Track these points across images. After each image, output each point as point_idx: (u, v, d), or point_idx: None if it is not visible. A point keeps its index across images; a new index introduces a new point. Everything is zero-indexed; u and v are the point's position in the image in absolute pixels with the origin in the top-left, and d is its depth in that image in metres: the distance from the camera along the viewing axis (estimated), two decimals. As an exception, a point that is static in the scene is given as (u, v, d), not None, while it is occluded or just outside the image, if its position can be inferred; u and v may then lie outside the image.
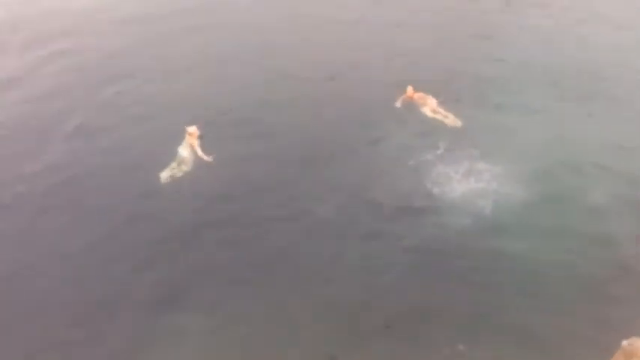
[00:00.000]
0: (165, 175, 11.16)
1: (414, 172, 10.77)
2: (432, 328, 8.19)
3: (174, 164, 11.34)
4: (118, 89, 14.52)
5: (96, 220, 10.46)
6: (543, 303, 8.46)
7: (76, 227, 10.39)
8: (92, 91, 14.51)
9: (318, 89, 13.92)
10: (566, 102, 12.69)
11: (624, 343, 6.74)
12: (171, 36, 17.05)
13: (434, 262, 9.15)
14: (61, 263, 9.67)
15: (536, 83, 13.47)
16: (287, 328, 8.38)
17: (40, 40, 17.22)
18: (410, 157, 11.12)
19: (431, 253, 9.28)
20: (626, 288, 8.54)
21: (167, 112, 13.45)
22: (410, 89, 12.76)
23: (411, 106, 12.64)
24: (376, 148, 11.65)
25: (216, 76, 14.88)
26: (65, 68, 15.67)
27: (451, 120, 12.15)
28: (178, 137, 11.84)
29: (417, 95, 12.74)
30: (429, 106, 12.53)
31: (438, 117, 12.32)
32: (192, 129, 11.78)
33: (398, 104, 12.74)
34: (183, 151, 11.52)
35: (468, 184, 10.26)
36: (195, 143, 11.69)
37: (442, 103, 12.53)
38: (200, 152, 11.54)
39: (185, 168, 11.31)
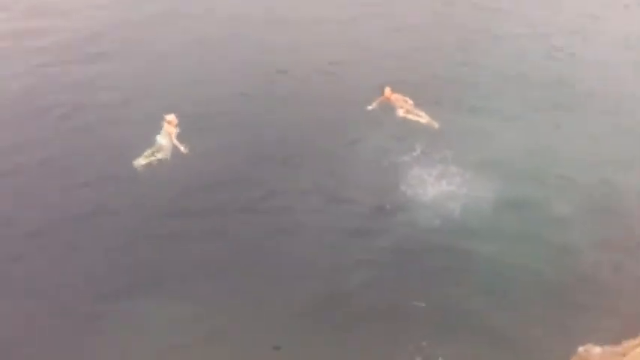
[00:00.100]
0: (139, 162, 11.08)
1: (389, 173, 10.94)
2: (398, 326, 8.36)
3: (148, 152, 11.25)
4: (94, 71, 14.33)
5: (65, 203, 10.38)
6: (508, 304, 8.72)
7: (44, 208, 10.29)
8: (68, 71, 14.31)
9: (297, 86, 13.95)
10: (539, 112, 13.05)
11: (580, 349, 7.11)
12: (152, 21, 16.89)
13: (404, 262, 9.34)
14: (28, 245, 9.58)
15: (512, 91, 13.79)
16: (248, 319, 8.45)
17: (15, 19, 16.89)
18: (386, 158, 11.30)
19: (401, 253, 9.48)
20: (585, 295, 8.86)
21: (143, 97, 13.37)
22: (388, 90, 12.86)
23: (388, 107, 12.77)
24: (353, 148, 11.77)
25: (196, 65, 14.81)
26: (40, 47, 15.38)
27: (427, 122, 12.33)
28: (153, 123, 11.75)
29: (395, 97, 12.84)
30: (406, 108, 12.67)
31: (414, 118, 12.47)
32: (171, 117, 11.71)
33: (372, 107, 12.79)
34: (162, 140, 11.44)
35: (440, 187, 10.49)
36: (173, 132, 11.62)
37: (419, 105, 12.69)
38: (176, 141, 11.49)
39: (161, 156, 11.24)
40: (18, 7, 17.80)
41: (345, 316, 8.52)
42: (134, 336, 8.19)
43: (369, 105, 12.82)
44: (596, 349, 7.42)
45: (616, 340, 7.75)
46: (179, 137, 11.58)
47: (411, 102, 12.77)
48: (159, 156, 11.24)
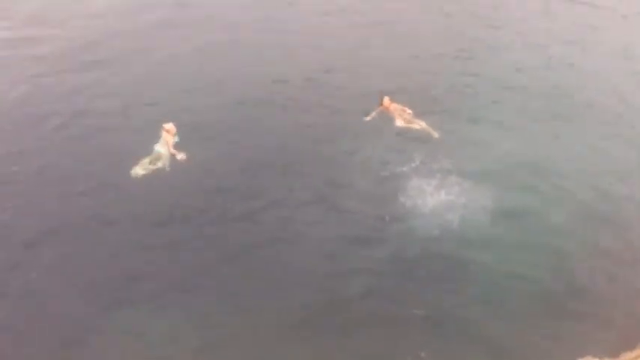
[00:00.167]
0: (137, 171, 11.07)
1: (388, 183, 10.95)
2: (396, 336, 8.34)
3: (147, 160, 11.25)
4: (91, 79, 14.37)
5: (62, 212, 10.39)
6: (506, 314, 8.72)
7: (41, 216, 10.29)
8: (65, 79, 14.34)
9: (295, 95, 13.97)
10: (537, 122, 13.07)
11: (579, 362, 7.10)
12: (149, 29, 16.96)
13: (402, 271, 9.33)
14: (24, 254, 9.58)
15: (510, 101, 13.81)
16: (246, 327, 8.46)
17: (13, 28, 17.00)
18: (385, 168, 11.31)
19: (400, 262, 9.47)
20: (583, 305, 8.85)
21: (141, 106, 13.42)
22: (387, 100, 12.89)
23: (387, 117, 12.80)
24: (352, 157, 11.77)
25: (194, 73, 14.86)
26: (38, 56, 15.42)
27: (427, 131, 12.35)
28: (151, 132, 11.79)
29: (393, 106, 12.88)
30: (405, 118, 12.71)
31: (414, 127, 12.51)
32: (169, 126, 11.74)
33: (370, 117, 12.79)
34: (160, 148, 11.46)
35: (439, 197, 10.49)
36: (171, 140, 11.64)
37: (418, 115, 12.71)
38: (173, 150, 11.49)
39: (160, 165, 11.24)
40: (15, 15, 17.91)
41: (342, 325, 8.50)
42: (130, 346, 8.16)
43: (367, 115, 12.82)
44: (594, 362, 7.43)
45: (614, 352, 7.75)
46: (177, 146, 11.60)
47: (409, 111, 12.80)
48: (157, 165, 11.23)
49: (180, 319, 8.51)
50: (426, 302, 8.81)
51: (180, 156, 11.38)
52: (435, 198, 10.47)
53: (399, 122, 12.66)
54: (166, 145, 11.55)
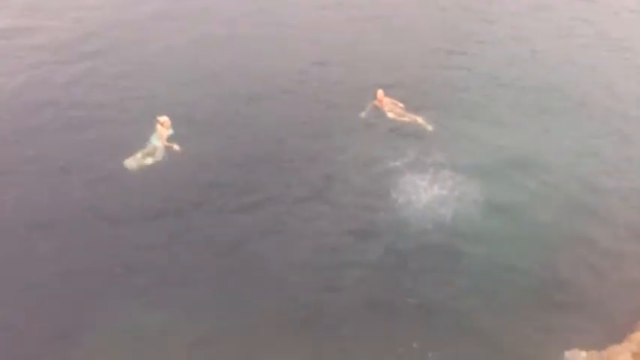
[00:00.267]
0: (131, 163, 11.10)
1: (382, 178, 11.03)
2: (388, 328, 8.46)
3: (141, 153, 11.28)
4: (88, 70, 14.34)
5: (55, 203, 10.41)
6: (497, 305, 8.85)
7: (34, 207, 10.32)
8: (62, 70, 14.31)
9: (291, 88, 13.98)
10: (528, 116, 13.18)
11: (566, 354, 7.24)
12: (146, 21, 16.88)
13: (394, 264, 9.43)
14: (17, 245, 9.62)
15: (502, 96, 13.90)
16: (239, 322, 8.53)
17: (9, 17, 16.86)
18: (379, 162, 11.40)
19: (392, 255, 9.57)
20: (570, 296, 9.01)
21: (136, 97, 13.36)
22: (380, 93, 12.95)
23: (380, 110, 12.88)
24: (346, 152, 11.81)
25: (190, 65, 14.82)
26: (34, 46, 15.36)
27: (420, 124, 12.44)
28: (146, 124, 11.82)
29: (386, 100, 12.96)
30: (396, 111, 12.79)
31: (405, 120, 12.59)
32: (164, 119, 11.75)
33: (365, 112, 12.84)
34: (155, 141, 11.48)
35: (433, 192, 10.60)
36: (165, 133, 11.66)
37: (412, 109, 12.79)
38: (167, 142, 11.52)
39: (154, 158, 11.26)
40: (12, 5, 17.72)
41: (334, 318, 8.60)
42: (125, 340, 8.21)
43: (362, 111, 12.87)
44: (582, 354, 7.56)
45: (601, 345, 7.90)
46: (172, 139, 11.62)
47: (401, 105, 12.89)
48: (152, 158, 11.25)
49: (176, 314, 8.54)
50: (420, 294, 8.92)
51: (175, 148, 11.39)
52: (429, 192, 10.58)
53: (391, 115, 12.74)
54: (161, 138, 11.56)
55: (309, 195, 10.74)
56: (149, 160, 11.20)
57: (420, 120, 12.55)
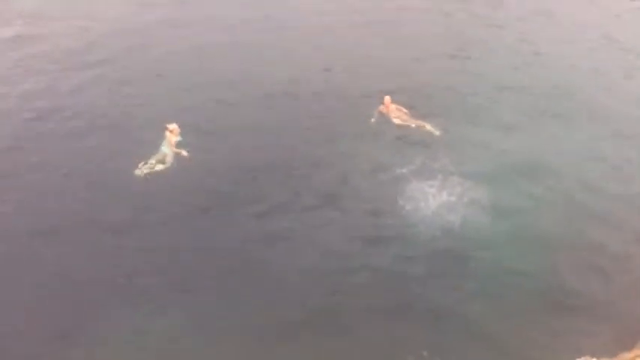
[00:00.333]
0: (141, 171, 11.16)
1: (390, 184, 11.05)
2: (398, 335, 8.44)
3: (151, 161, 11.33)
4: (94, 77, 14.44)
5: (60, 210, 10.48)
6: (506, 310, 8.84)
7: (39, 214, 10.40)
8: (67, 77, 14.41)
9: (296, 95, 14.05)
10: (536, 121, 13.18)
11: (577, 361, 7.26)
12: (151, 29, 17.01)
13: (403, 270, 9.41)
14: (24, 249, 9.69)
15: (509, 100, 13.93)
16: (246, 327, 8.52)
17: (14, 26, 17.02)
18: (386, 168, 11.41)
19: (401, 261, 9.56)
20: (579, 300, 8.98)
21: (143, 105, 13.48)
22: (387, 99, 12.99)
23: (386, 117, 12.92)
24: (353, 158, 11.82)
25: (196, 72, 14.94)
26: (40, 54, 15.46)
27: (426, 129, 12.48)
28: (154, 131, 11.89)
29: (392, 106, 12.99)
30: (401, 117, 12.83)
31: (411, 125, 12.63)
32: (173, 126, 11.84)
33: (374, 118, 12.87)
34: (165, 149, 11.56)
35: (441, 198, 10.63)
36: (174, 140, 11.74)
37: (420, 115, 12.83)
38: (176, 149, 11.59)
39: (163, 166, 11.33)
40: (17, 14, 17.86)
41: (344, 325, 8.59)
42: (130, 346, 8.22)
43: (372, 118, 12.91)
44: (592, 361, 7.58)
45: (612, 351, 7.89)
46: (180, 145, 11.70)
47: (406, 111, 12.95)
48: (162, 165, 11.32)
49: (181, 320, 8.55)
50: (428, 299, 8.92)
51: (184, 154, 11.48)
52: (438, 199, 10.60)
53: (397, 121, 12.78)
54: (170, 145, 11.64)
55: (316, 201, 10.76)
56: (159, 167, 11.27)
57: (426, 126, 12.59)
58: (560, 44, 16.90)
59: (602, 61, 15.95)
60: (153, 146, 11.67)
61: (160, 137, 11.83)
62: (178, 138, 11.81)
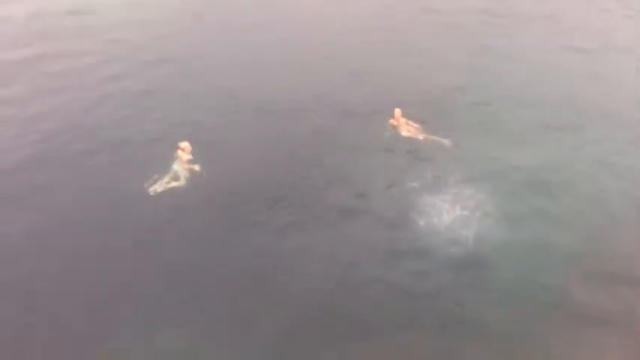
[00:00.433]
0: (155, 188, 11.21)
1: (402, 197, 11.01)
2: (410, 344, 8.40)
3: (164, 179, 11.38)
4: (108, 93, 14.63)
5: (72, 225, 10.59)
6: (520, 322, 8.74)
7: (50, 228, 10.49)
8: (85, 94, 14.63)
9: (306, 109, 14.10)
10: (548, 132, 13.12)
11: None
12: (163, 42, 17.16)
13: (416, 283, 9.34)
14: (36, 265, 9.73)
15: (522, 111, 13.89)
16: (254, 339, 8.50)
17: (33, 44, 17.21)
18: (399, 184, 11.36)
19: (413, 275, 9.48)
20: (596, 312, 8.88)
21: (156, 121, 13.60)
22: (398, 112, 13.00)
23: (396, 130, 12.93)
24: (365, 172, 11.80)
25: (211, 87, 15.09)
26: (58, 71, 15.66)
27: (436, 142, 12.44)
28: (162, 148, 12.03)
29: (403, 120, 12.99)
30: (410, 130, 12.82)
31: (420, 138, 12.60)
32: (185, 144, 11.90)
33: (389, 134, 12.88)
34: (177, 167, 11.62)
35: (455, 212, 10.56)
36: (186, 158, 11.79)
37: (430, 128, 12.81)
38: (188, 166, 11.65)
39: (176, 184, 11.36)
40: (35, 32, 18.10)
41: (354, 335, 8.54)
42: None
43: (386, 131, 12.94)
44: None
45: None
46: (192, 162, 11.77)
47: (416, 126, 12.94)
48: (175, 182, 11.37)
49: (194, 336, 8.53)
50: (442, 313, 8.87)
51: (196, 169, 11.56)
52: (451, 214, 10.54)
53: (407, 134, 12.79)
54: (182, 163, 11.70)
55: (329, 216, 10.73)
56: (173, 184, 11.32)
57: (436, 139, 12.54)
58: (575, 54, 16.83)
59: (621, 70, 15.84)
60: (164, 164, 11.72)
61: (171, 154, 11.90)
62: (189, 156, 11.84)
